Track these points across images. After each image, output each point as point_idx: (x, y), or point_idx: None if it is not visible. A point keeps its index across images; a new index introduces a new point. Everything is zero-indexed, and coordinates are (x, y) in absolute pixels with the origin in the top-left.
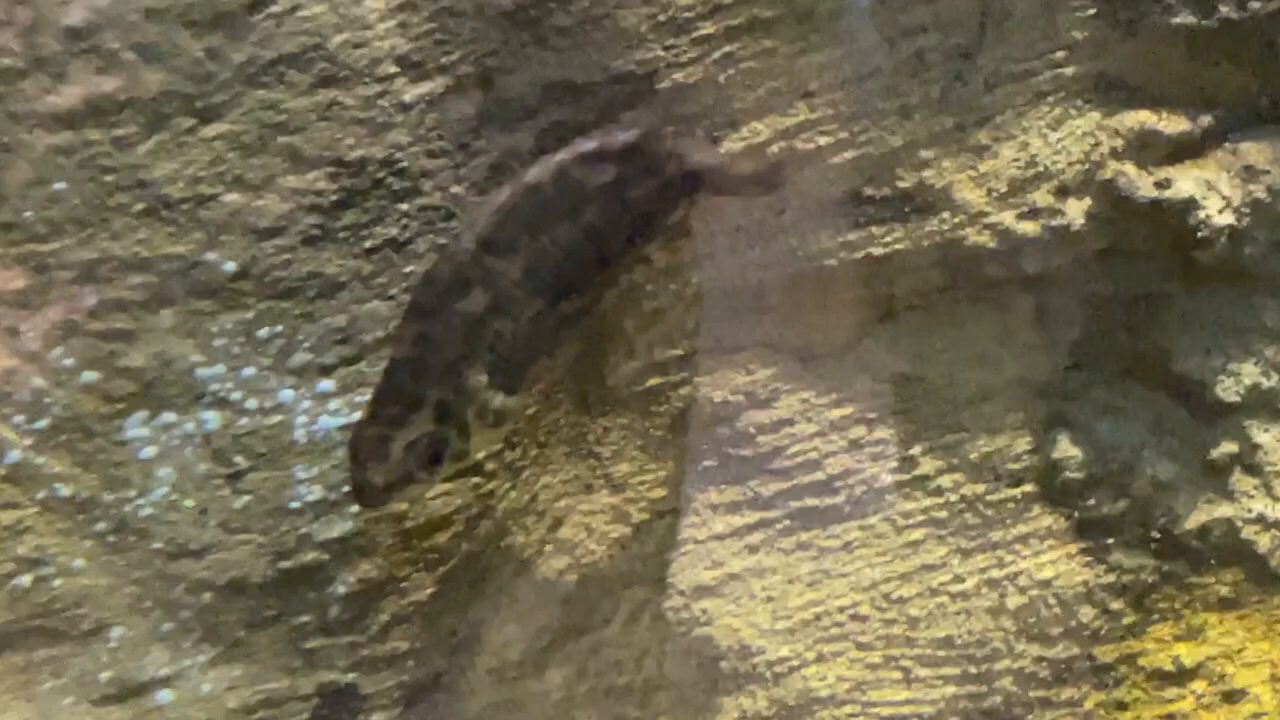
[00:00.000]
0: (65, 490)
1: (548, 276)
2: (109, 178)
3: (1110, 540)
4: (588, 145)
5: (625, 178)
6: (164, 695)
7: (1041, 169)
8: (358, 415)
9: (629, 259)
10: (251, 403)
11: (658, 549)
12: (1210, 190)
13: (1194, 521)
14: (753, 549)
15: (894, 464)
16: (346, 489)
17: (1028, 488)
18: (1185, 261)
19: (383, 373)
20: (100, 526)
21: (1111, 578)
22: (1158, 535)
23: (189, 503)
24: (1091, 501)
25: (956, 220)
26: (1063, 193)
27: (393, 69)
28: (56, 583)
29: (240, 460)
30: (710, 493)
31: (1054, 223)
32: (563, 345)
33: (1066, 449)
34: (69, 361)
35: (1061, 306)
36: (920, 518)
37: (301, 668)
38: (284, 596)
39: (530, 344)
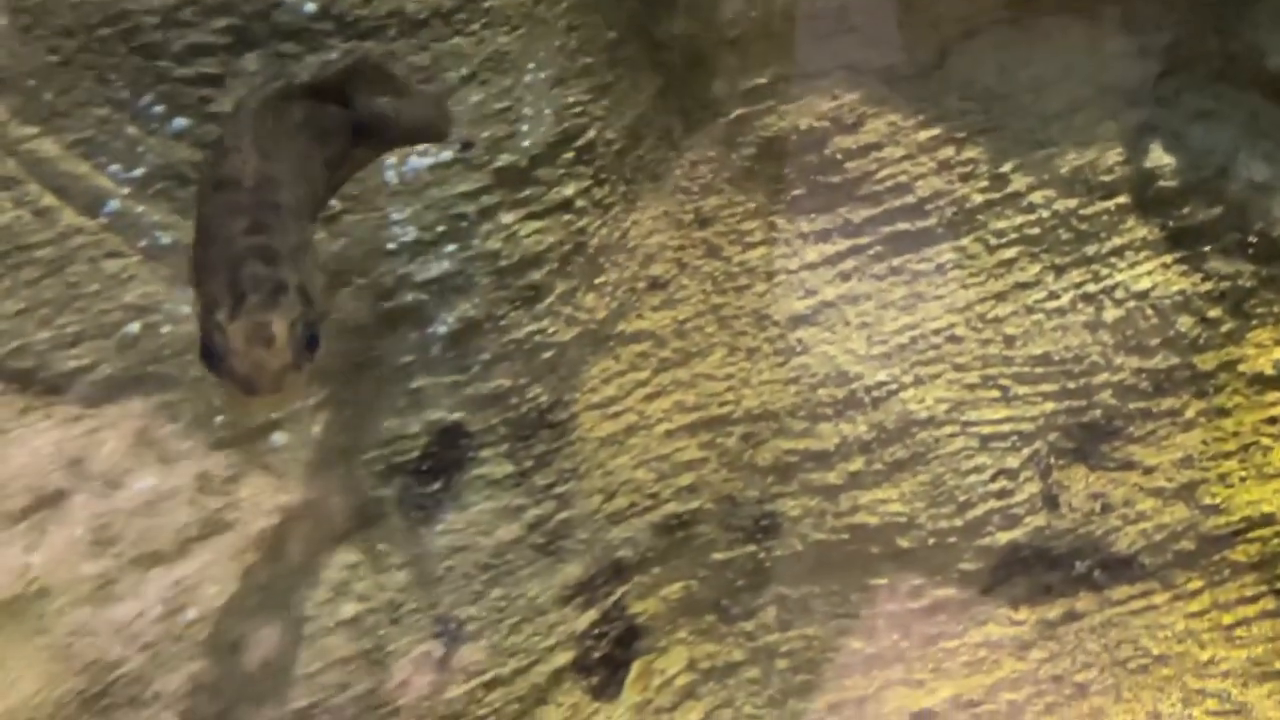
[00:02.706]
0: (166, 238)
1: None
2: None
3: (1206, 247)
4: (275, 85)
5: (311, 119)
6: (278, 437)
7: None
8: (446, 155)
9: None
10: None
11: (750, 281)
12: None
13: None
14: (845, 276)
15: (984, 183)
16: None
17: (1121, 199)
18: None
19: (224, 271)
20: None
21: (1209, 285)
22: (1254, 239)
23: None
24: (1186, 209)
25: None
26: None
27: None
28: (165, 329)
29: (334, 202)
30: (800, 222)
31: None
32: None
33: (1159, 157)
34: (159, 109)
35: (1149, 11)
36: (1013, 236)
37: (408, 407)
38: (386, 337)
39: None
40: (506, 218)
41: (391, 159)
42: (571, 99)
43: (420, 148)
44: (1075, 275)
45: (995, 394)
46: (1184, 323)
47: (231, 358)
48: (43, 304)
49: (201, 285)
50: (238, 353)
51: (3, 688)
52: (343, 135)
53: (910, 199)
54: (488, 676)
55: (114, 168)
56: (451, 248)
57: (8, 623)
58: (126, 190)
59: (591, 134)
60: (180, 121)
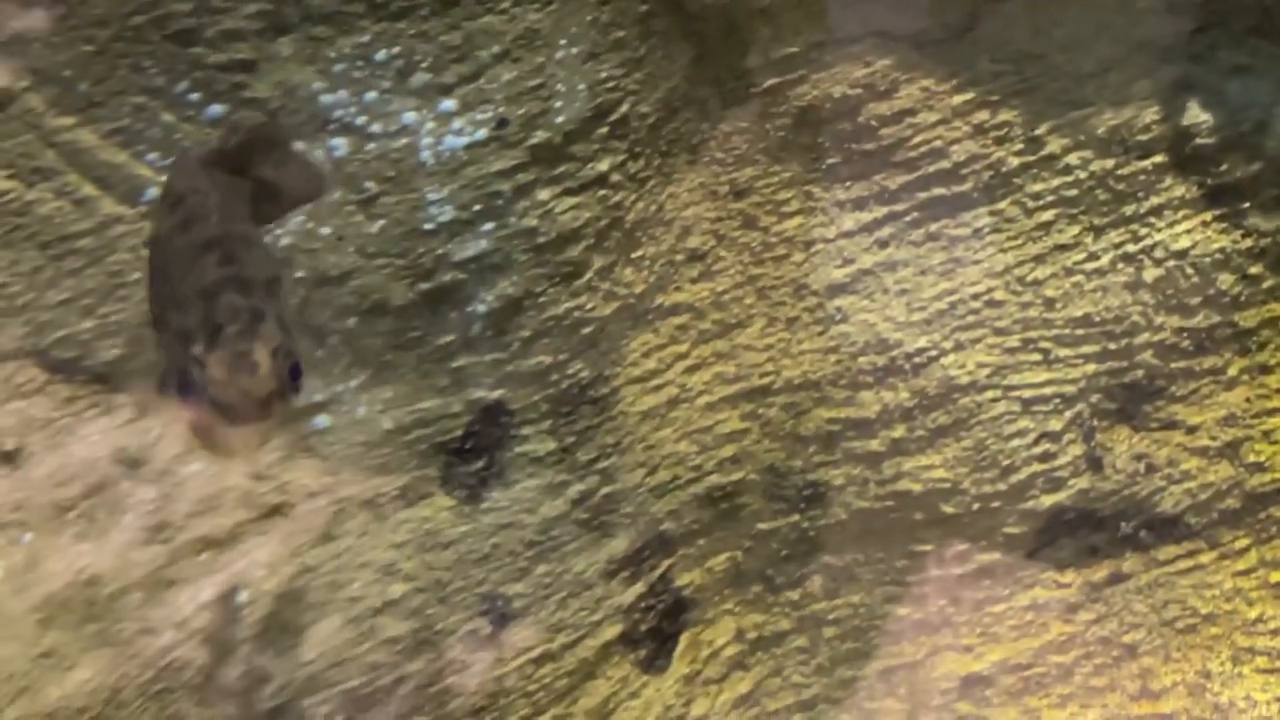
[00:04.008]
0: None
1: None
2: None
3: (1245, 204)
4: (195, 152)
5: (229, 184)
6: (321, 420)
7: None
8: (481, 134)
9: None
10: (376, 127)
11: (788, 251)
12: None
13: None
14: (883, 243)
15: (1020, 145)
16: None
17: (1158, 158)
18: None
19: (197, 304)
20: None
21: (1249, 242)
22: None
23: (326, 230)
24: (1224, 166)
25: None
26: None
27: None
28: None
29: (371, 185)
30: (836, 190)
31: None
32: None
33: (1196, 114)
34: (194, 95)
35: None
36: (1050, 198)
37: (450, 386)
38: (426, 317)
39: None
40: (543, 194)
41: (426, 139)
42: (604, 74)
43: (455, 125)
44: (1114, 236)
45: (1036, 357)
46: (1224, 280)
47: (214, 388)
48: (85, 293)
49: (169, 322)
50: (220, 383)
51: (58, 676)
52: (248, 203)
53: (945, 164)
54: (537, 653)
55: (152, 156)
56: (489, 226)
57: (62, 612)
58: (164, 177)
59: (625, 108)
60: (216, 108)
